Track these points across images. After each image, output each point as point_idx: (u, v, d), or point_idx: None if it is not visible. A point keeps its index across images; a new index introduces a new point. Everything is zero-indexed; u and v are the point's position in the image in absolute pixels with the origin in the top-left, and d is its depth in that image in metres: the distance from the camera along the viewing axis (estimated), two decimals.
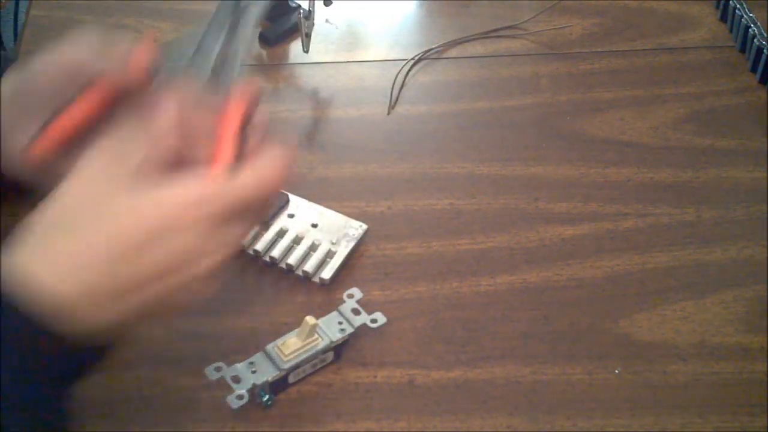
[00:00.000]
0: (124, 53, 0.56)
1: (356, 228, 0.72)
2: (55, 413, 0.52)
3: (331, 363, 0.64)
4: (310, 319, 0.62)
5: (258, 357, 0.62)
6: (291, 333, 0.63)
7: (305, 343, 0.62)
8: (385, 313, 0.65)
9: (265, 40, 0.91)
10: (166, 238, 0.50)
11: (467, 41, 0.92)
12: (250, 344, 0.63)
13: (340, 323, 0.64)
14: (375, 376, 0.64)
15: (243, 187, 0.51)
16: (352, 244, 0.71)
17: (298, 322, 0.62)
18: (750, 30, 0.87)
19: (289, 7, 0.90)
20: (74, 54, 0.57)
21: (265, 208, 0.56)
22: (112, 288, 0.50)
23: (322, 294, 0.68)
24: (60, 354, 0.50)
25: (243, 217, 0.51)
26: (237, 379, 0.61)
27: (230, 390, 0.60)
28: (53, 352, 0.50)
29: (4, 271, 0.49)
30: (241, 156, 0.51)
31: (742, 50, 0.89)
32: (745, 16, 0.89)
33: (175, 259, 0.50)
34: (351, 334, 0.64)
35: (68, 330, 0.49)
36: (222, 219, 0.50)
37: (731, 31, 0.92)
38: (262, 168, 0.51)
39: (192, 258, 0.50)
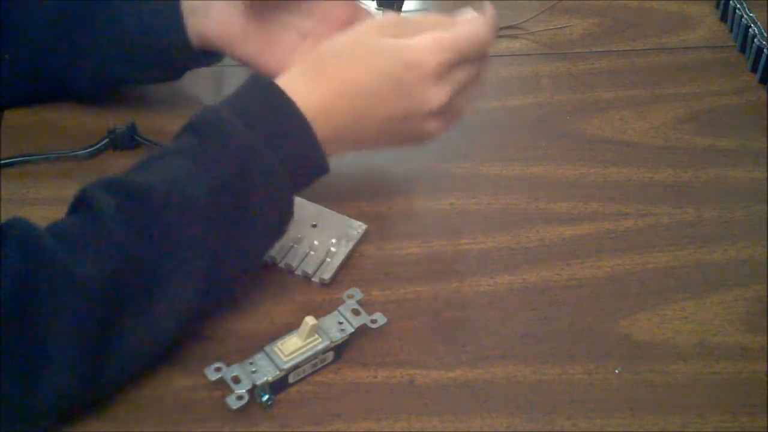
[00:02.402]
0: None
1: (356, 228, 0.72)
2: (290, 206, 0.65)
3: (331, 363, 0.64)
4: (310, 319, 0.62)
5: (258, 357, 0.62)
6: (291, 333, 0.62)
7: (305, 343, 0.62)
8: (385, 313, 0.65)
9: None
10: (412, 79, 0.65)
11: None
12: (250, 344, 0.63)
13: (340, 323, 0.64)
14: (375, 376, 0.64)
15: (468, 32, 0.66)
16: (352, 244, 0.71)
17: (298, 322, 0.62)
18: (750, 30, 0.88)
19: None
20: None
21: (486, 53, 0.69)
22: (352, 121, 0.66)
23: (322, 294, 0.68)
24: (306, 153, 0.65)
25: (471, 61, 0.67)
26: (237, 379, 0.61)
27: (230, 390, 0.60)
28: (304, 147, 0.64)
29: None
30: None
31: (742, 50, 0.89)
32: (745, 16, 0.89)
33: (417, 99, 0.65)
34: (351, 334, 0.64)
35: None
36: (457, 61, 0.65)
37: (731, 31, 0.92)
38: (477, 20, 0.67)
39: (433, 99, 0.65)
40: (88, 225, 0.58)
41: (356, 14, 0.73)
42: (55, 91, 0.81)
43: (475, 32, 0.66)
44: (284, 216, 0.65)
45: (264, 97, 0.64)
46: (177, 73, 0.79)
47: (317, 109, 0.64)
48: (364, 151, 0.71)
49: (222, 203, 0.60)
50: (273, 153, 0.62)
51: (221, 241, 0.60)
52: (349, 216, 0.73)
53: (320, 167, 0.66)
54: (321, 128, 0.64)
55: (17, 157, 0.78)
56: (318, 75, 0.66)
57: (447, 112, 0.67)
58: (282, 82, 0.65)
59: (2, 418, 0.54)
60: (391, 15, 0.72)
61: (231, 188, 0.60)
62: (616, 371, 0.64)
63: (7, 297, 0.53)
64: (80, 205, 0.59)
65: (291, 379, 0.62)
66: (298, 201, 0.73)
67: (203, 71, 0.81)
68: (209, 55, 0.77)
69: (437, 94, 0.65)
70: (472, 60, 0.67)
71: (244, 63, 0.76)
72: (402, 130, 0.68)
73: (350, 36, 0.67)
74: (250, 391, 0.60)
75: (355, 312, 0.65)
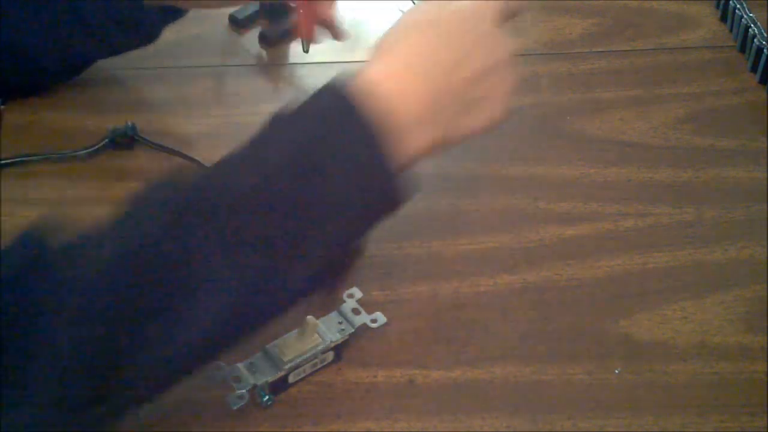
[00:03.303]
0: None
1: None
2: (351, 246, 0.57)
3: (331, 363, 0.64)
4: (310, 319, 0.62)
5: (258, 357, 0.62)
6: (291, 333, 0.62)
7: (305, 343, 0.62)
8: (385, 313, 0.65)
9: (265, 40, 0.91)
10: (482, 24, 0.60)
11: None
12: (250, 344, 0.63)
13: (340, 323, 0.64)
14: (375, 376, 0.64)
15: None
16: None
17: (298, 322, 0.62)
18: (750, 30, 0.88)
19: (290, 7, 0.90)
20: None
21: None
22: (434, 90, 0.57)
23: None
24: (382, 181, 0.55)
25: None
26: (237, 379, 0.61)
27: (230, 390, 0.60)
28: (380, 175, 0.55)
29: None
30: None
31: (742, 50, 0.89)
32: (745, 16, 0.89)
33: (489, 43, 0.60)
34: (351, 334, 0.64)
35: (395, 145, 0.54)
36: (507, 16, 0.62)
37: (731, 31, 0.92)
38: None
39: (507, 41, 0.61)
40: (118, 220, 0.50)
41: None
42: (30, 74, 0.80)
43: None
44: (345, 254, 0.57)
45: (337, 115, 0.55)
46: (148, 37, 0.78)
47: (407, 87, 0.56)
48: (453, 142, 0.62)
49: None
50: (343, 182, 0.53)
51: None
52: None
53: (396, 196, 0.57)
54: (417, 107, 0.56)
55: (17, 157, 0.78)
56: (393, 55, 0.58)
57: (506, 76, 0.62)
58: (361, 74, 0.56)
59: None
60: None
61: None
62: (616, 371, 0.64)
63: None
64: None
65: (291, 379, 0.62)
66: None
67: (204, 71, 0.81)
68: (171, 9, 0.75)
69: (507, 40, 0.61)
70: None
71: None
72: (487, 88, 0.60)
73: (411, 14, 0.61)
74: (250, 391, 0.60)
75: (355, 312, 0.65)
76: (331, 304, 0.66)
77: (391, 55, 0.58)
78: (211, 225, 0.49)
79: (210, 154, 0.77)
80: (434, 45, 0.58)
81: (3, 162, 0.77)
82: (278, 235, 0.51)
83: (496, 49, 0.60)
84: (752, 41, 0.87)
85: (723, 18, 0.93)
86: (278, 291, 0.52)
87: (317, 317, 0.63)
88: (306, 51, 0.86)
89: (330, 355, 0.64)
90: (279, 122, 0.54)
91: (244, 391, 0.60)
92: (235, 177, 0.52)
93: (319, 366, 0.63)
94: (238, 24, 0.93)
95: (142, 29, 0.76)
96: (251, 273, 0.50)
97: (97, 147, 0.79)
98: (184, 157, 0.78)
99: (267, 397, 0.61)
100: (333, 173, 0.52)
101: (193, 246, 0.49)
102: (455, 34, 0.59)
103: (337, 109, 0.54)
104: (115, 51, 0.80)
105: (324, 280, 0.55)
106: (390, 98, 0.54)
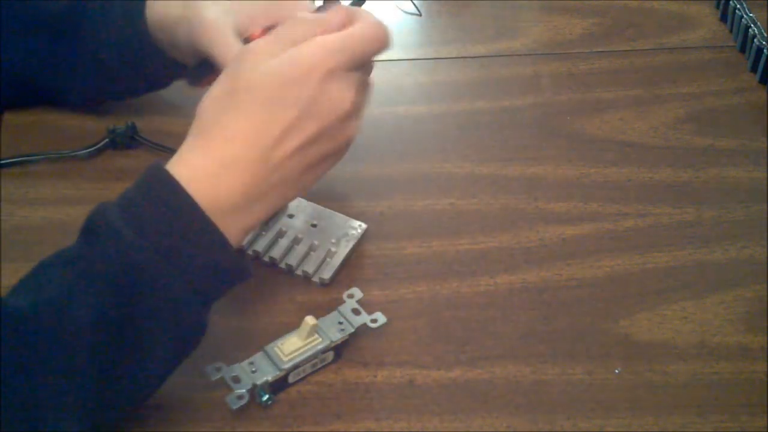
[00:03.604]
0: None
1: (356, 228, 0.72)
2: (199, 324, 0.57)
3: (331, 363, 0.64)
4: (310, 319, 0.62)
5: (258, 357, 0.62)
6: (291, 333, 0.62)
7: (305, 343, 0.62)
8: (385, 313, 0.65)
9: None
10: (309, 84, 0.56)
11: (467, 41, 0.92)
12: (250, 344, 0.63)
13: (340, 323, 0.64)
14: (375, 376, 0.64)
15: (360, 36, 0.59)
16: (351, 244, 0.71)
17: (298, 322, 0.62)
18: (750, 30, 0.87)
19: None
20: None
21: (374, 57, 0.62)
22: (265, 147, 0.56)
23: (322, 294, 0.68)
24: (221, 259, 0.56)
25: (363, 65, 0.60)
26: (237, 379, 0.61)
27: (230, 390, 0.60)
28: (218, 257, 0.56)
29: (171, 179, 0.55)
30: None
31: (742, 50, 0.89)
32: (745, 16, 0.89)
33: (320, 104, 0.57)
34: (351, 334, 0.64)
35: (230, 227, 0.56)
36: (350, 65, 0.58)
37: (731, 31, 0.92)
38: (367, 24, 0.60)
39: (344, 100, 0.57)
40: None
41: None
42: (50, 100, 0.82)
43: (368, 33, 0.59)
44: (190, 336, 0.57)
45: (159, 194, 0.55)
46: (164, 82, 0.79)
47: (219, 182, 0.56)
48: (298, 193, 0.62)
49: (110, 327, 0.52)
50: (170, 267, 0.53)
51: (108, 370, 0.53)
52: (349, 216, 0.72)
53: (237, 273, 0.58)
54: (230, 200, 0.56)
55: (17, 157, 0.78)
56: (208, 140, 0.57)
57: (359, 109, 0.60)
58: (176, 163, 0.56)
59: None
60: (281, 28, 0.60)
61: (120, 309, 0.52)
62: (616, 371, 0.64)
63: None
64: None
65: (291, 379, 0.62)
66: (298, 201, 0.73)
67: None
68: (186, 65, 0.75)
69: (344, 94, 0.58)
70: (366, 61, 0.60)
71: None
72: (321, 150, 0.59)
73: (226, 78, 0.58)
74: (250, 391, 0.60)
75: (355, 312, 0.65)
76: (331, 304, 0.66)
77: (207, 139, 0.57)
78: (54, 355, 0.51)
79: None
80: (252, 121, 0.56)
81: (3, 162, 0.77)
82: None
83: (327, 110, 0.57)
84: (752, 41, 0.87)
85: (723, 18, 0.93)
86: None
87: (317, 317, 0.63)
88: None
89: (330, 355, 0.64)
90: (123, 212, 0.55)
91: (244, 391, 0.60)
92: (69, 306, 0.53)
93: (319, 366, 0.63)
94: None
95: (157, 77, 0.77)
96: (101, 376, 0.53)
97: (97, 147, 0.79)
98: None
99: (267, 397, 0.61)
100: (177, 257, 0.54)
101: (39, 374, 0.51)
102: (276, 104, 0.56)
103: (169, 201, 0.55)
104: (128, 94, 0.81)
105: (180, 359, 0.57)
106: (203, 196, 0.55)
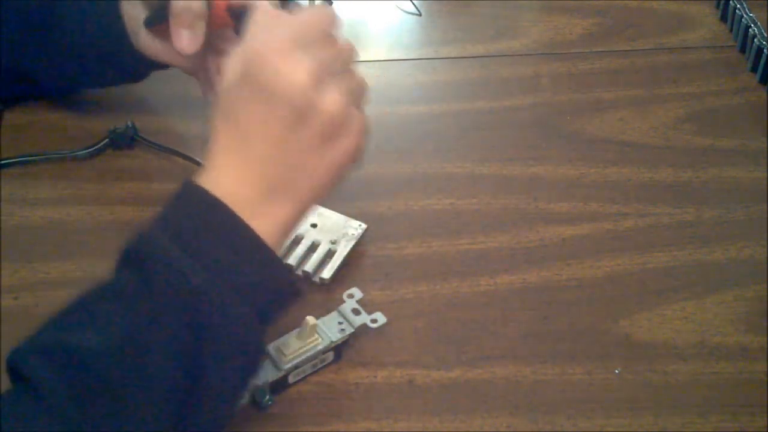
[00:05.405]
0: None
1: (356, 228, 0.72)
2: (261, 345, 0.56)
3: (331, 363, 0.64)
4: (310, 319, 0.62)
5: None
6: (291, 333, 0.62)
7: (305, 343, 0.62)
8: (385, 313, 0.65)
9: None
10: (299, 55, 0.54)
11: (467, 41, 0.92)
12: None
13: (340, 323, 0.64)
14: (375, 376, 0.64)
15: (310, 16, 0.57)
16: (351, 244, 0.71)
17: (298, 322, 0.62)
18: (750, 30, 0.88)
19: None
20: None
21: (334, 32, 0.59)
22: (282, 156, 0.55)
23: (322, 294, 0.68)
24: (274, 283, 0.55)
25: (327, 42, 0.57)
26: None
27: None
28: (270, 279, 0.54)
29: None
30: None
31: (742, 50, 0.89)
32: (745, 16, 0.89)
33: (311, 112, 0.54)
34: (351, 334, 0.64)
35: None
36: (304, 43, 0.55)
37: (731, 31, 0.92)
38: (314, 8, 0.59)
39: (326, 101, 0.55)
40: (30, 404, 0.48)
41: None
42: (26, 90, 0.82)
43: (314, 15, 0.57)
44: (254, 357, 0.55)
45: (204, 215, 0.54)
46: (137, 77, 0.79)
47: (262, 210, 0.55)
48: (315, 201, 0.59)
49: (183, 358, 0.51)
50: (229, 288, 0.52)
51: (185, 404, 0.51)
52: (349, 216, 0.73)
53: (290, 289, 0.57)
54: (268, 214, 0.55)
55: (17, 157, 0.78)
56: (237, 156, 0.56)
57: (348, 120, 0.57)
58: (210, 182, 0.55)
59: None
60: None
61: (189, 339, 0.51)
62: (616, 371, 0.64)
63: None
64: (16, 375, 0.50)
65: (291, 379, 0.62)
66: None
67: None
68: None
69: (327, 96, 0.55)
70: (328, 50, 0.57)
71: (191, 75, 0.75)
72: (330, 154, 0.57)
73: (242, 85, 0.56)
74: (250, 391, 0.60)
75: (355, 312, 0.65)
76: (331, 304, 0.66)
77: (227, 140, 0.56)
78: (128, 395, 0.50)
79: None
80: (263, 117, 0.55)
81: (3, 162, 0.77)
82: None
83: (318, 112, 0.55)
84: (752, 41, 0.87)
85: (723, 18, 0.93)
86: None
87: (317, 317, 0.63)
88: None
89: (330, 355, 0.64)
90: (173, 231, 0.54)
91: None
92: (133, 345, 0.51)
93: (319, 366, 0.63)
94: None
95: (131, 69, 0.77)
96: (175, 410, 0.51)
97: (97, 147, 0.79)
98: (184, 157, 0.78)
99: (267, 397, 0.61)
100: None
101: (116, 416, 0.50)
102: (282, 100, 0.54)
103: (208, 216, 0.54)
104: (104, 84, 0.82)
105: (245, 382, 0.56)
106: (229, 195, 0.54)
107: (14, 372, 0.50)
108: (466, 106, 0.85)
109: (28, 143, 0.80)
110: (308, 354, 0.62)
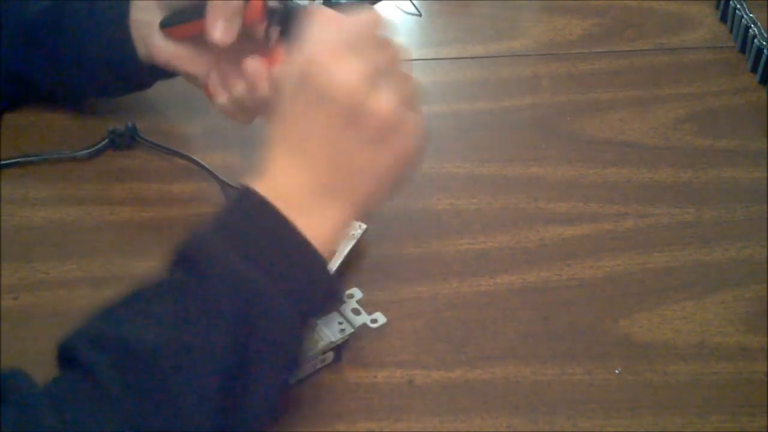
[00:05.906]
0: None
1: (356, 228, 0.72)
2: (303, 348, 0.56)
3: (331, 363, 0.64)
4: None
5: None
6: None
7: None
8: (385, 313, 0.65)
9: None
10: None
11: (467, 41, 0.92)
12: None
13: (340, 323, 0.64)
14: (375, 376, 0.64)
15: (360, 18, 0.57)
16: (351, 244, 0.70)
17: None
18: (750, 30, 0.88)
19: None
20: None
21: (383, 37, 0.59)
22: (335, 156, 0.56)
23: None
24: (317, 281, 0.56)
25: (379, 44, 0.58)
26: None
27: None
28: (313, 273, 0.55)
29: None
30: None
31: (742, 50, 0.89)
32: (745, 16, 0.89)
33: (362, 113, 0.55)
34: (351, 334, 0.64)
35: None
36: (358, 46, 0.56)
37: (731, 31, 0.92)
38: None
39: (378, 102, 0.55)
40: (85, 391, 0.50)
41: None
42: (29, 96, 0.82)
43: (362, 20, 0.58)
44: (297, 360, 0.56)
45: (258, 218, 0.55)
46: (141, 86, 0.79)
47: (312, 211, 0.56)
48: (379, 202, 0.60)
49: (234, 357, 0.52)
50: (279, 291, 0.53)
51: (231, 403, 0.52)
52: None
53: (334, 293, 0.58)
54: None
55: (17, 157, 0.78)
56: (293, 158, 0.57)
57: (402, 121, 0.57)
58: (266, 185, 0.56)
59: None
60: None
61: (239, 338, 0.52)
62: (616, 371, 0.64)
63: None
64: (70, 363, 0.51)
65: (291, 380, 0.62)
66: None
67: None
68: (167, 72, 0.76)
69: (379, 98, 0.55)
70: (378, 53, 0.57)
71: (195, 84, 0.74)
72: (384, 156, 0.57)
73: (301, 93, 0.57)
74: None
75: (355, 312, 0.65)
76: None
77: (286, 149, 0.57)
78: (182, 388, 0.51)
79: (210, 154, 0.78)
80: (317, 119, 0.56)
81: (3, 162, 0.77)
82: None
83: (371, 113, 0.55)
84: (752, 41, 0.87)
85: (723, 18, 0.93)
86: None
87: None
88: None
89: (330, 356, 0.64)
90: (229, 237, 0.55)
91: None
92: (186, 340, 0.52)
93: (319, 366, 0.63)
94: None
95: (135, 79, 0.77)
96: (223, 404, 0.52)
97: (97, 147, 0.79)
98: (184, 157, 0.78)
99: None
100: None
101: (170, 407, 0.51)
102: (335, 102, 0.55)
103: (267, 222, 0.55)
104: (108, 94, 0.82)
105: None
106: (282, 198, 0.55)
107: (68, 360, 0.51)
108: (465, 106, 0.85)
109: (28, 143, 0.80)
110: (308, 354, 0.62)
